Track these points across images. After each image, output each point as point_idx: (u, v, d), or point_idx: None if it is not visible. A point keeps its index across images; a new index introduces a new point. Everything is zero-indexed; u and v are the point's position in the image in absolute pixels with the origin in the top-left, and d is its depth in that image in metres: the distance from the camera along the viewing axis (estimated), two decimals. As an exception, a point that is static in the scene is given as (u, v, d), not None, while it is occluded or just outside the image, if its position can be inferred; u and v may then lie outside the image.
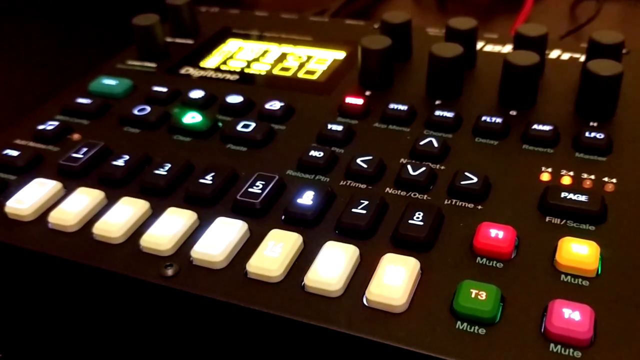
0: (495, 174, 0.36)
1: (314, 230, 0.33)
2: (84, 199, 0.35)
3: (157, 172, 0.37)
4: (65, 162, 0.38)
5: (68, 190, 0.37)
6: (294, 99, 0.44)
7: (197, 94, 0.45)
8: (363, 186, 0.36)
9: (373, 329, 0.28)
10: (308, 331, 0.29)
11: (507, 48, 0.49)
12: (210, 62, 0.50)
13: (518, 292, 0.29)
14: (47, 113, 0.44)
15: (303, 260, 0.31)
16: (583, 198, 0.33)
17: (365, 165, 0.36)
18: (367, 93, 0.44)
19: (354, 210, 0.33)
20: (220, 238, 0.32)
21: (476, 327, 0.27)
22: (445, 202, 0.34)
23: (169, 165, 0.37)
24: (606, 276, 0.29)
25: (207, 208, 0.35)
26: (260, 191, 0.35)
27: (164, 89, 0.45)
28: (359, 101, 0.42)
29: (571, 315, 0.27)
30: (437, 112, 0.41)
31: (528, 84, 0.41)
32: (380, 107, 0.42)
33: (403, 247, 0.32)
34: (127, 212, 0.34)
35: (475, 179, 0.35)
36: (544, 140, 0.38)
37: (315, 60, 0.49)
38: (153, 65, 0.50)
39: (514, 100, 0.42)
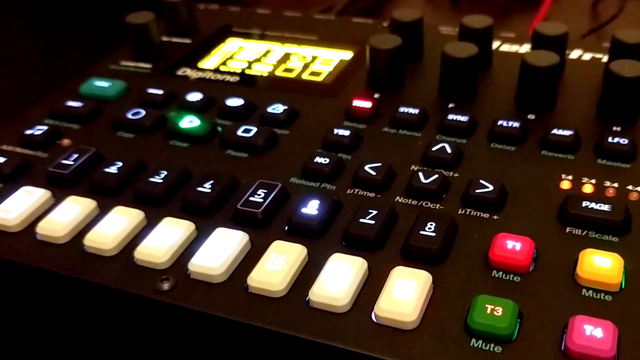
0: (512, 182, 0.36)
1: (319, 241, 0.33)
2: (75, 208, 0.36)
3: (152, 179, 0.37)
4: (54, 169, 0.39)
5: (58, 199, 0.37)
6: (298, 102, 0.44)
7: (195, 96, 0.45)
8: (371, 195, 0.36)
9: (382, 346, 0.28)
10: (313, 349, 0.29)
11: (525, 48, 0.49)
12: (209, 62, 0.51)
13: (536, 308, 0.29)
14: (36, 117, 0.45)
15: (308, 274, 0.31)
16: (606, 207, 0.33)
17: (373, 173, 0.37)
18: (376, 96, 0.45)
19: (362, 220, 0.33)
20: (220, 250, 0.32)
21: (492, 345, 0.28)
22: (459, 211, 0.34)
23: (165, 173, 0.37)
24: (630, 291, 0.29)
25: (205, 218, 0.35)
26: (262, 200, 0.35)
27: (160, 92, 0.46)
28: (367, 104, 0.43)
29: (593, 332, 0.27)
30: (450, 116, 0.41)
31: (547, 86, 0.41)
32: (389, 111, 0.42)
33: (414, 259, 0.32)
34: (120, 222, 0.34)
35: (490, 187, 0.35)
36: (564, 145, 0.38)
37: (321, 60, 0.50)
38: (148, 66, 0.50)
39: (532, 103, 0.42)
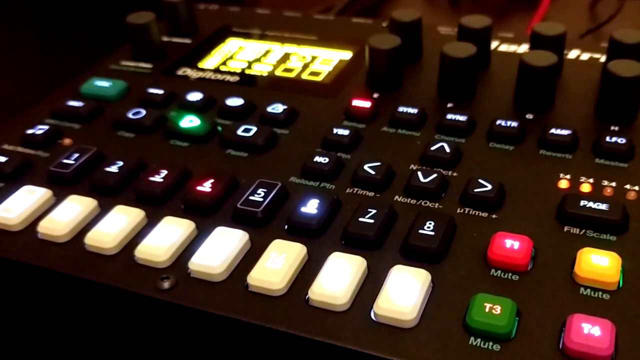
0: (510, 181, 0.36)
1: (319, 240, 0.33)
2: (76, 207, 0.36)
3: (152, 179, 0.37)
4: (55, 169, 0.39)
5: (59, 198, 0.37)
6: (298, 102, 0.44)
7: (195, 96, 0.45)
8: (371, 194, 0.36)
9: (381, 345, 0.28)
10: (312, 347, 0.29)
11: (523, 48, 0.49)
12: (209, 62, 0.51)
13: (535, 306, 0.29)
14: (37, 117, 0.45)
15: (307, 273, 0.31)
16: (603, 207, 0.33)
17: (373, 172, 0.37)
18: (375, 95, 0.45)
19: (361, 219, 0.33)
20: (220, 249, 0.32)
21: (490, 343, 0.28)
22: (458, 210, 0.35)
23: (165, 172, 0.38)
24: (628, 289, 0.30)
25: (205, 217, 0.35)
26: (262, 199, 0.35)
27: (160, 91, 0.46)
28: (367, 104, 0.43)
29: (591, 331, 0.27)
30: (449, 116, 0.41)
31: (545, 86, 0.41)
32: (388, 111, 0.42)
33: (413, 258, 0.32)
34: (121, 221, 0.35)
35: (489, 187, 0.35)
36: (562, 145, 0.38)
37: (320, 60, 0.50)
38: (148, 65, 0.50)
39: (530, 103, 0.42)
